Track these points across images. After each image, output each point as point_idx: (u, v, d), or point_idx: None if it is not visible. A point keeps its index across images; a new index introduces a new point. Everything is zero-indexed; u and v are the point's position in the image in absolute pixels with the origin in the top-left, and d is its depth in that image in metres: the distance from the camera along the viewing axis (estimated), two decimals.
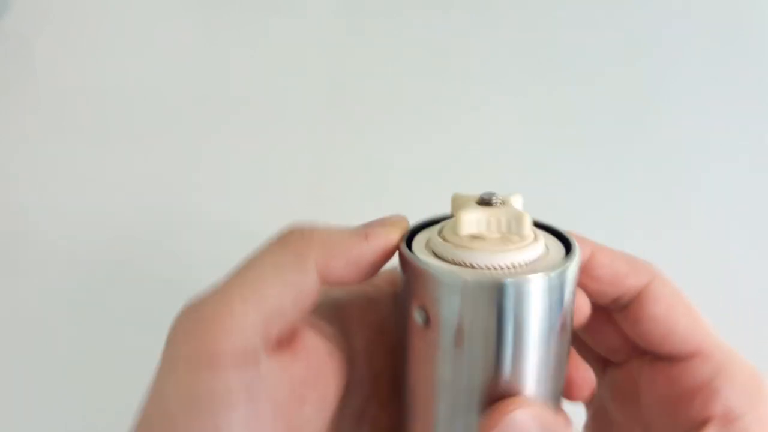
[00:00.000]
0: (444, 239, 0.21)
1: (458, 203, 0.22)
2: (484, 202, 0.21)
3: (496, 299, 0.19)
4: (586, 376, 0.26)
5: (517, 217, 0.20)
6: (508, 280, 0.19)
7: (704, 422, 0.23)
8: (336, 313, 0.24)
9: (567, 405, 0.29)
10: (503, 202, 0.21)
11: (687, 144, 0.50)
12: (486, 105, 0.52)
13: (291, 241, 0.22)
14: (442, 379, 0.21)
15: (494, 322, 0.20)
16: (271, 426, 0.20)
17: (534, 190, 0.49)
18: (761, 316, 0.45)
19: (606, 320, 0.27)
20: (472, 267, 0.20)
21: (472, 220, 0.20)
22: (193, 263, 0.46)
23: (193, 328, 0.20)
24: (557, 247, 0.22)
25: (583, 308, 0.25)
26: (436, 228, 0.23)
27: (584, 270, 0.24)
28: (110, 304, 0.45)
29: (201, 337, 0.20)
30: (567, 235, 0.23)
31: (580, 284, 0.24)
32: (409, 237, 0.23)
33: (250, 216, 0.48)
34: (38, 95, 0.51)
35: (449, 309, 0.20)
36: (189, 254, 0.46)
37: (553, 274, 0.20)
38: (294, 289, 0.21)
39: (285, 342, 0.21)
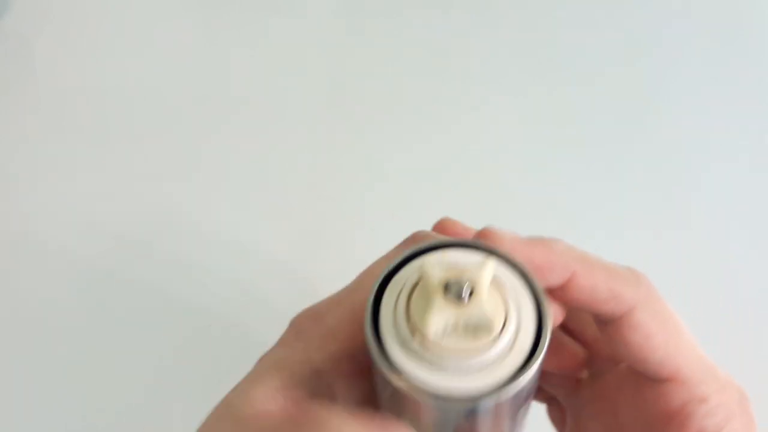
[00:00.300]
0: (411, 327, 0.20)
1: (426, 288, 0.20)
2: (452, 293, 0.20)
3: (466, 410, 0.20)
4: (575, 353, 0.26)
5: (487, 324, 0.20)
6: (481, 403, 0.20)
7: None
8: (318, 383, 0.23)
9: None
10: (473, 291, 0.20)
11: (687, 144, 0.50)
12: (486, 105, 0.52)
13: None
14: None
15: (462, 422, 0.20)
16: None
17: (534, 190, 0.49)
18: (761, 316, 0.45)
19: (581, 327, 0.27)
20: (440, 367, 0.20)
21: (439, 326, 0.20)
22: (193, 263, 0.46)
23: None
24: (528, 310, 0.21)
25: (556, 317, 0.24)
26: (407, 280, 0.21)
27: (562, 290, 0.23)
28: (110, 305, 0.45)
29: None
30: (534, 283, 0.22)
31: (558, 300, 0.24)
32: (381, 285, 0.22)
33: (250, 216, 0.48)
34: (38, 95, 0.51)
35: (418, 411, 0.20)
36: (189, 255, 0.46)
37: (522, 382, 0.20)
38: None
39: None
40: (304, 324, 0.23)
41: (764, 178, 0.49)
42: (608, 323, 0.24)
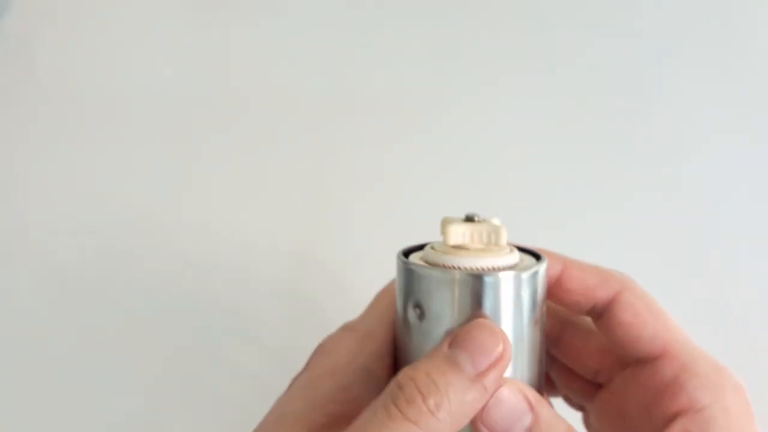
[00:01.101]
0: (435, 249, 0.26)
1: (446, 221, 0.26)
2: (469, 219, 0.25)
3: (477, 292, 0.24)
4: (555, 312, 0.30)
5: (496, 230, 0.25)
6: (487, 277, 0.24)
7: (674, 416, 0.24)
8: (344, 396, 0.25)
9: None
10: (484, 220, 0.26)
11: (685, 142, 0.50)
12: (487, 105, 0.52)
13: None
14: None
15: (477, 311, 0.24)
16: None
17: (533, 189, 0.49)
18: (761, 316, 0.45)
19: (584, 341, 0.30)
20: (459, 269, 0.24)
21: (458, 232, 0.25)
22: (193, 265, 0.46)
23: None
24: (530, 260, 0.27)
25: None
26: (427, 246, 0.27)
27: (557, 284, 0.28)
28: (111, 306, 0.45)
29: None
30: (539, 251, 0.27)
31: (556, 298, 0.28)
32: (404, 255, 0.27)
33: (250, 217, 0.48)
34: (38, 96, 0.51)
35: (440, 302, 0.24)
36: (188, 255, 0.46)
37: (524, 274, 0.24)
38: None
39: None
40: (341, 336, 0.27)
41: (763, 176, 0.49)
42: (603, 313, 0.27)
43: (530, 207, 0.48)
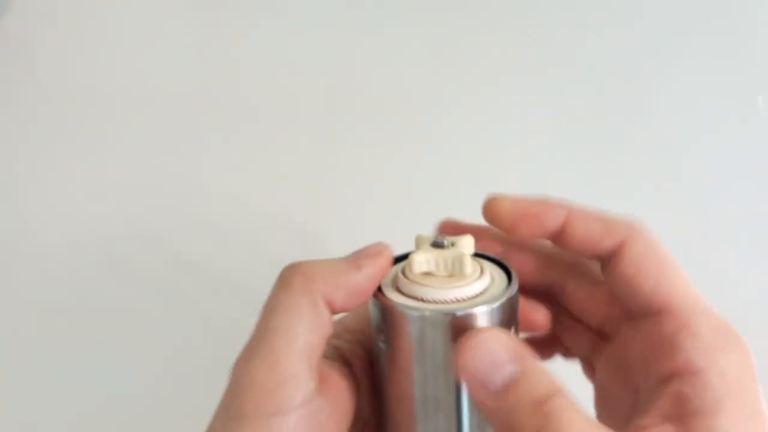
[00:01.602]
0: (404, 275, 0.25)
1: (418, 244, 0.26)
2: (436, 244, 0.25)
3: (444, 326, 0.23)
4: (539, 312, 0.29)
5: (459, 259, 0.24)
6: (459, 313, 0.23)
7: (670, 376, 0.23)
8: (341, 355, 0.27)
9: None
10: (453, 244, 0.25)
11: (685, 142, 0.50)
12: (487, 105, 0.52)
13: (296, 282, 0.24)
14: (404, 391, 0.25)
15: (440, 346, 0.23)
16: None
17: (533, 189, 0.49)
18: (761, 316, 0.45)
19: (591, 291, 0.29)
20: (423, 300, 0.24)
21: (422, 261, 0.24)
22: (193, 266, 0.46)
23: (252, 385, 0.22)
24: (501, 277, 0.25)
25: (541, 321, 0.28)
26: (400, 266, 0.26)
27: (561, 234, 0.27)
28: (111, 306, 0.45)
29: (263, 396, 0.22)
30: (509, 267, 0.26)
31: (563, 246, 0.27)
32: None
33: (251, 219, 0.48)
34: (38, 95, 0.51)
35: (402, 335, 0.24)
36: (189, 257, 0.46)
37: (494, 304, 0.23)
38: (318, 327, 0.23)
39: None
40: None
41: (762, 176, 0.49)
42: (607, 264, 0.26)
43: None
